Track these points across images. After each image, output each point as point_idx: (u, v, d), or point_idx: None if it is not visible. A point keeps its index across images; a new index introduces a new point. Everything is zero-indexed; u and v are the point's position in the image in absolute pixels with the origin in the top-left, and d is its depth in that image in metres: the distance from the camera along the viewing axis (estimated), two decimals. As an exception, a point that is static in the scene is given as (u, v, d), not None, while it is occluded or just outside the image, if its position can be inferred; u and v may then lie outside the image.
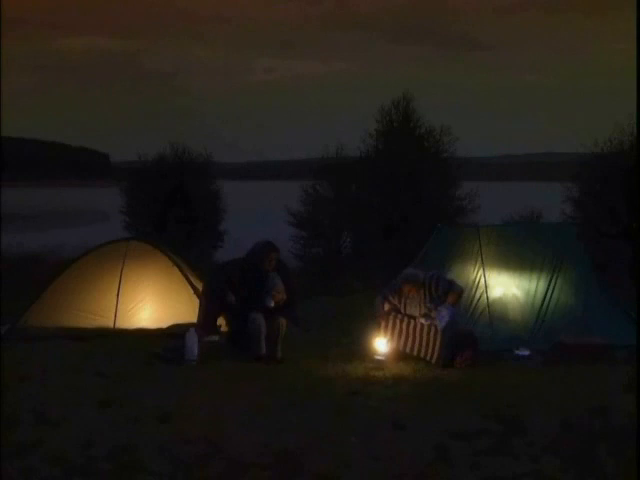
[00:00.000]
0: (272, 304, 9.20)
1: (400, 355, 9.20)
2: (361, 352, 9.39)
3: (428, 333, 9.06)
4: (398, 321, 9.25)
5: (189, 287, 10.70)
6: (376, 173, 23.48)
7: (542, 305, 10.08)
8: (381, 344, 9.33)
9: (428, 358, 9.06)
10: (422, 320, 9.13)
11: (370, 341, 9.46)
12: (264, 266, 9.34)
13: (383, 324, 9.30)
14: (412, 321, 9.20)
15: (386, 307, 9.38)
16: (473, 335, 9.25)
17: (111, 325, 10.59)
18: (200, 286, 10.34)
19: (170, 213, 23.43)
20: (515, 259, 10.40)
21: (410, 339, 9.19)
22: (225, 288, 9.29)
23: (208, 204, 24.51)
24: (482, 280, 10.18)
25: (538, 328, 9.91)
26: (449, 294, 9.16)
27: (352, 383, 7.99)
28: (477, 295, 10.10)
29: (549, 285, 10.18)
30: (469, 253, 10.37)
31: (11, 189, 63.16)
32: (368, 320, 9.81)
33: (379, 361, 9.05)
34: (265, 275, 9.33)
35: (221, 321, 9.57)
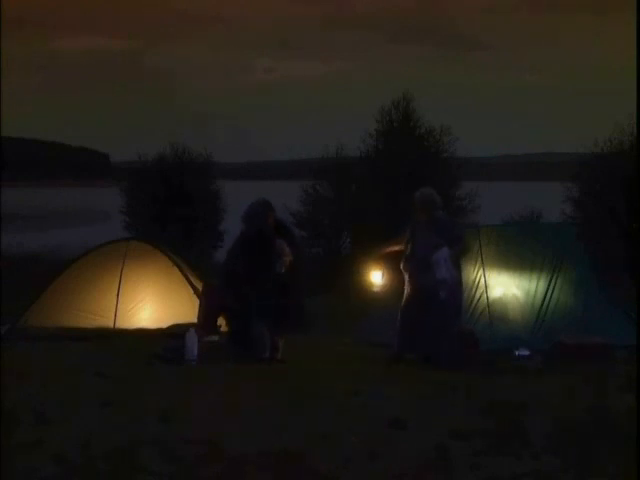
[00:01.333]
0: (283, 270, 9.06)
1: (401, 355, 9.20)
2: (361, 351, 9.39)
3: (431, 330, 8.99)
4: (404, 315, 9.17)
5: (189, 287, 10.71)
6: (376, 173, 23.53)
7: (542, 305, 10.09)
8: (377, 277, 9.45)
9: (427, 359, 9.05)
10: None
11: (367, 274, 9.55)
12: (268, 227, 9.10)
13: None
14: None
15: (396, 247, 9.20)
16: (474, 335, 9.25)
17: (111, 325, 10.60)
18: (200, 286, 10.34)
19: (170, 213, 23.48)
20: (515, 259, 10.40)
21: (411, 338, 9.18)
22: (229, 291, 9.17)
23: (208, 204, 24.57)
24: (482, 280, 10.19)
25: (538, 328, 9.92)
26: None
27: (352, 383, 7.98)
28: (477, 295, 10.11)
29: (549, 285, 10.19)
30: (469, 253, 10.37)
31: (11, 189, 63.18)
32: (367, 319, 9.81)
33: (378, 351, 9.04)
34: (271, 239, 9.06)
35: (221, 321, 9.56)
